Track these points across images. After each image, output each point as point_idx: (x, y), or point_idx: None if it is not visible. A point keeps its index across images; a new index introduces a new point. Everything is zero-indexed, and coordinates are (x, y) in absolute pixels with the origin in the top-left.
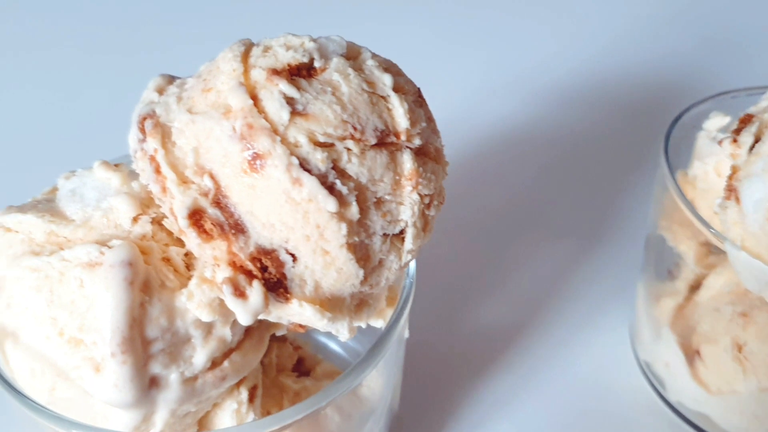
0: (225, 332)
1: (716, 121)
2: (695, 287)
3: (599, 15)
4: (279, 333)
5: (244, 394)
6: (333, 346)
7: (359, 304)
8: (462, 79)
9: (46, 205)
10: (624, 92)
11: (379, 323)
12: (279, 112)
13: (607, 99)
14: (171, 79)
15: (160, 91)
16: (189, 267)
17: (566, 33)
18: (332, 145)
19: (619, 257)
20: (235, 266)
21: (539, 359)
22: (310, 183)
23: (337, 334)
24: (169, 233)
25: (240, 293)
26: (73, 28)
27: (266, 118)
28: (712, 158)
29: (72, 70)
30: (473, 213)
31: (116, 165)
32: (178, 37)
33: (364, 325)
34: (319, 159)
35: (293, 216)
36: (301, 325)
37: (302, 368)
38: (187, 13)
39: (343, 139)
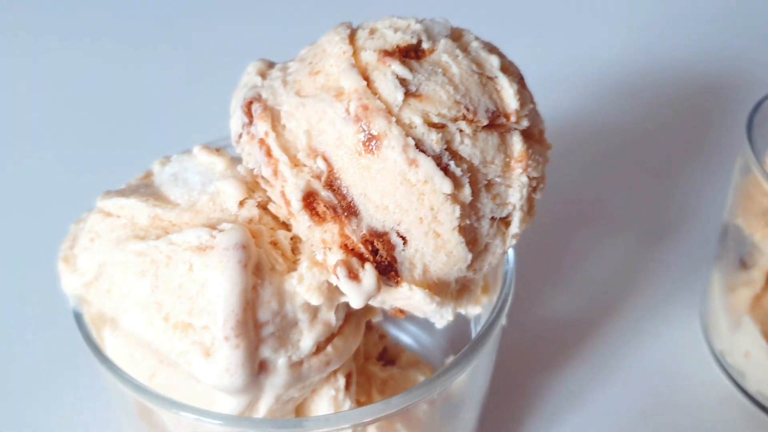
0: (330, 316)
1: None
2: None
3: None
4: (375, 319)
5: (341, 380)
6: (403, 336)
7: (461, 289)
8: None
9: (147, 190)
10: (686, 83)
11: (476, 310)
12: (393, 93)
13: (669, 90)
14: (270, 63)
15: (262, 75)
16: (294, 251)
17: (625, 20)
18: (445, 126)
19: (683, 248)
20: (347, 249)
21: (611, 351)
22: (427, 164)
23: (440, 319)
24: (274, 217)
25: (354, 276)
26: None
27: (381, 99)
28: None
29: (124, 65)
30: (540, 203)
31: (218, 150)
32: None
33: (464, 312)
34: (433, 140)
35: (408, 198)
36: (401, 311)
37: (386, 357)
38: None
39: (456, 120)
